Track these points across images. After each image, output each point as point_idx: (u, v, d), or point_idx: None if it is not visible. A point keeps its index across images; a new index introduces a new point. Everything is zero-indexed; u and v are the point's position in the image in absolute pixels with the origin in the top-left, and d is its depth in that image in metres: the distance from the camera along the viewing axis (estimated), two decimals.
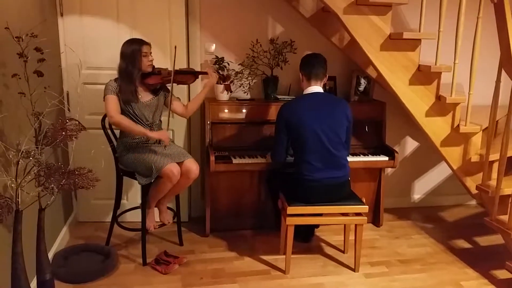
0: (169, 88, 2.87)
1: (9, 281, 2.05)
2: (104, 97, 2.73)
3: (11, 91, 2.11)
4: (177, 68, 2.85)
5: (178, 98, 3.04)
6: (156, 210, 2.99)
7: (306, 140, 2.65)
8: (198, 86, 3.32)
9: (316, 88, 2.75)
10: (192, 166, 2.78)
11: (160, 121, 2.95)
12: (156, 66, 2.85)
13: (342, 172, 2.74)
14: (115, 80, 2.76)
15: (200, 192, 3.61)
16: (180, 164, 2.74)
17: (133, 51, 2.72)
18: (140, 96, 2.79)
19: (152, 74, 2.82)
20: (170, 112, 2.98)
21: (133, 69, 2.73)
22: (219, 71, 3.20)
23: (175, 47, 2.82)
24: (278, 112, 2.76)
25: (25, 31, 2.07)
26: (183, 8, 3.19)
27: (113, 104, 2.71)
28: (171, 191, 2.86)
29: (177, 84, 2.91)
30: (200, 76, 3.04)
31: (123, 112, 2.75)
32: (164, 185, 2.76)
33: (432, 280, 2.78)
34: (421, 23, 2.86)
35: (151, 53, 2.79)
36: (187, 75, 2.92)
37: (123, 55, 2.75)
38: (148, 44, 2.77)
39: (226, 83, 3.11)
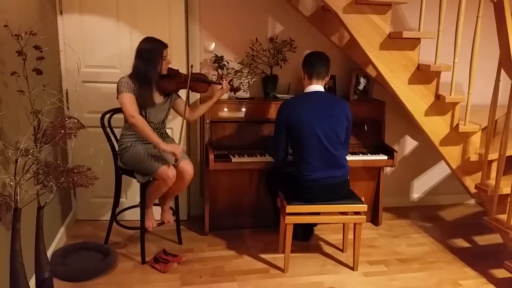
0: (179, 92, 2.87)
1: (8, 279, 2.05)
2: (118, 94, 2.64)
3: (10, 89, 2.10)
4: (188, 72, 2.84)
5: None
6: (155, 209, 2.99)
7: (305, 139, 2.65)
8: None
9: (317, 87, 2.74)
10: (187, 167, 2.76)
11: (165, 123, 2.93)
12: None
13: (341, 171, 2.73)
14: (129, 77, 2.67)
15: (199, 191, 3.61)
16: (175, 165, 2.73)
17: (154, 52, 2.63)
18: (155, 99, 2.74)
19: (167, 77, 2.78)
20: (170, 112, 2.96)
21: (155, 74, 2.65)
22: (224, 79, 3.18)
23: (191, 66, 2.80)
24: (278, 110, 2.76)
25: (24, 29, 2.06)
26: (182, 6, 3.18)
27: (132, 103, 2.61)
28: (169, 192, 2.85)
29: (191, 92, 2.90)
30: (212, 85, 3.03)
31: None
32: (159, 187, 2.74)
33: (431, 279, 2.78)
34: (420, 22, 2.86)
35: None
36: (202, 84, 2.90)
37: (142, 55, 2.64)
38: (167, 46, 2.70)
39: (225, 81, 3.10)
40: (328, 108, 2.70)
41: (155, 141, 2.64)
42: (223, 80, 3.01)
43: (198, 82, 2.88)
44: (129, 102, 2.61)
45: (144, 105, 2.69)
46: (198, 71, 3.32)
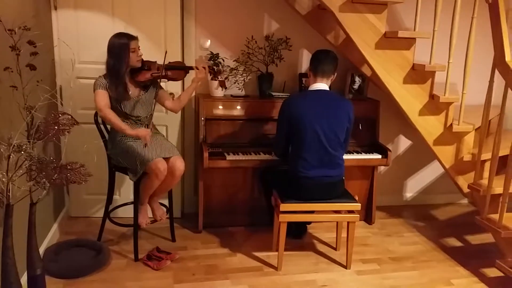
0: (160, 83, 2.86)
1: None
2: (94, 92, 2.70)
3: (3, 85, 2.09)
4: (167, 61, 2.82)
5: (171, 93, 3.02)
6: (149, 206, 2.98)
7: (304, 137, 2.64)
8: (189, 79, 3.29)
9: (322, 85, 2.72)
10: (177, 163, 2.75)
11: (152, 115, 2.91)
12: (145, 60, 2.81)
13: (337, 171, 2.74)
14: (104, 76, 2.73)
15: (193, 188, 3.61)
16: (166, 160, 2.73)
17: (120, 47, 2.67)
18: (130, 93, 2.76)
19: (142, 70, 2.79)
20: (155, 107, 2.95)
21: (121, 66, 2.68)
22: (214, 67, 3.17)
23: (166, 52, 2.79)
24: (281, 106, 2.76)
25: (18, 24, 2.04)
26: (178, 3, 3.17)
27: (102, 98, 2.68)
28: (160, 188, 2.84)
29: (168, 81, 2.89)
30: (190, 71, 3.00)
31: (115, 109, 2.72)
32: (151, 182, 2.74)
33: (423, 278, 2.80)
34: (416, 22, 2.87)
35: (139, 47, 2.74)
36: (177, 72, 2.89)
37: (110, 51, 2.69)
38: (136, 38, 2.72)
39: (220, 79, 3.10)
40: (331, 107, 2.68)
41: (120, 128, 2.69)
42: (217, 78, 3.00)
43: (173, 70, 2.86)
44: (99, 98, 2.68)
45: (118, 98, 2.73)
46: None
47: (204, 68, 2.92)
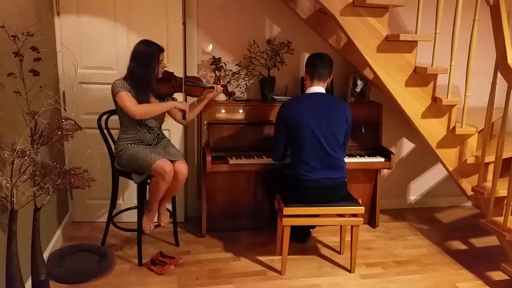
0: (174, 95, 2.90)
1: (4, 281, 2.04)
2: (116, 95, 2.64)
3: (7, 90, 2.10)
4: (183, 75, 2.85)
5: None
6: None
7: (303, 140, 2.65)
8: None
9: (318, 88, 2.74)
10: (181, 167, 2.74)
11: (161, 126, 2.93)
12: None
13: (339, 173, 2.74)
14: (124, 79, 2.68)
15: (196, 193, 3.61)
16: None
17: (150, 56, 2.65)
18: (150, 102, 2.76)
19: (162, 80, 2.79)
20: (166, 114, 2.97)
21: (151, 76, 2.66)
22: (221, 81, 3.19)
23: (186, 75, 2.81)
24: (278, 110, 2.77)
25: (21, 29, 2.06)
26: (180, 8, 3.18)
27: (130, 99, 2.62)
28: (165, 193, 2.83)
29: (186, 96, 2.91)
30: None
31: (131, 117, 2.68)
32: (158, 184, 2.72)
33: (427, 282, 2.79)
34: (417, 25, 2.87)
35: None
36: (196, 88, 2.92)
37: (139, 58, 2.65)
38: (164, 50, 2.72)
39: (224, 90, 3.11)
40: (328, 109, 2.70)
41: (166, 106, 2.76)
42: (220, 82, 3.02)
43: (192, 86, 2.90)
44: (128, 99, 2.61)
45: None
46: (195, 74, 3.32)
47: (217, 89, 2.98)
